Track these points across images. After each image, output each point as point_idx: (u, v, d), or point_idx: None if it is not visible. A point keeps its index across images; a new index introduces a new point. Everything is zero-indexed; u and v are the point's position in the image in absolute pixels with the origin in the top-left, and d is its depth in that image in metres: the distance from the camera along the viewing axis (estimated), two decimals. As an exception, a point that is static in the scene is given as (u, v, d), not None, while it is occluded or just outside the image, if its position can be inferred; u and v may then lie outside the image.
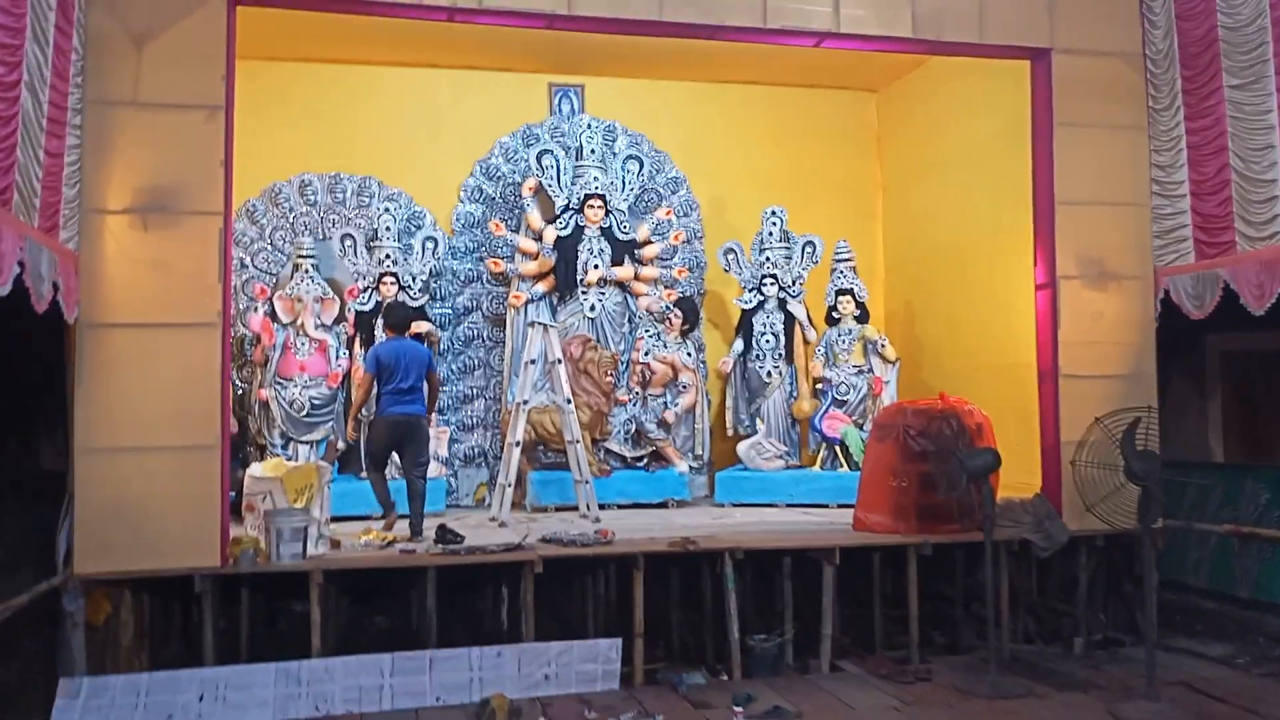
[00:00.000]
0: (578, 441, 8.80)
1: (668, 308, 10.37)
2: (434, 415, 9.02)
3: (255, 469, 7.02)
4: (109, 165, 6.40)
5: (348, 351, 9.87)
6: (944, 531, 7.67)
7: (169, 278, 6.42)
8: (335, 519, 8.95)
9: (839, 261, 10.47)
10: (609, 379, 9.88)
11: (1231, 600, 8.12)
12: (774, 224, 10.63)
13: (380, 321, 9.28)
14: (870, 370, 10.19)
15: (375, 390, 8.04)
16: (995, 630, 6.95)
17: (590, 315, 10.29)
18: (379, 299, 9.90)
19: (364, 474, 9.54)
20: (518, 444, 8.71)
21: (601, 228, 10.30)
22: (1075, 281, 7.80)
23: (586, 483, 8.78)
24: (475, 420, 10.65)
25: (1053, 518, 7.65)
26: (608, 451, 10.10)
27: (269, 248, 10.33)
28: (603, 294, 10.32)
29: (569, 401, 8.84)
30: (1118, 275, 7.84)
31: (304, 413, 9.50)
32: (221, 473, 6.43)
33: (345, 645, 7.65)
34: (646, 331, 10.38)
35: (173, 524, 6.30)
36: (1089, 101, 7.86)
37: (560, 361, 8.87)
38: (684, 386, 10.24)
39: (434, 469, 9.52)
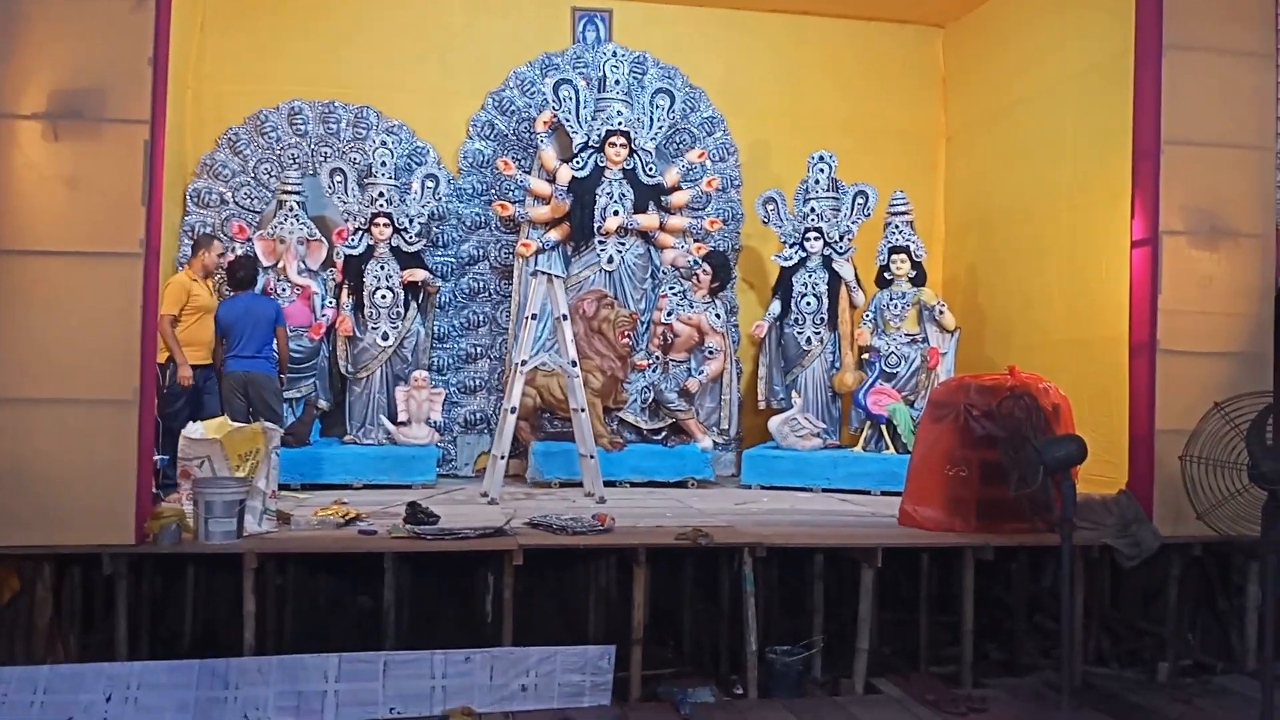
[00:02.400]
0: (584, 410, 7.66)
1: (696, 262, 9.16)
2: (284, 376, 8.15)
3: (193, 429, 5.97)
4: (14, 61, 5.33)
5: (334, 300, 8.84)
6: (1008, 532, 6.44)
7: (84, 197, 5.35)
8: (311, 487, 8.01)
9: (894, 215, 9.18)
10: (626, 341, 8.73)
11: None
12: (821, 171, 9.37)
13: (227, 276, 8.19)
14: (925, 340, 8.94)
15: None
16: (1069, 655, 5.71)
17: (608, 268, 9.11)
18: (371, 242, 8.81)
19: (348, 437, 8.56)
20: (513, 410, 7.58)
21: (624, 169, 9.10)
22: (1180, 238, 6.47)
23: (591, 457, 7.65)
24: (479, 382, 9.56)
25: (1141, 520, 6.37)
26: (622, 422, 8.97)
27: (252, 181, 9.26)
28: (623, 245, 9.14)
29: (575, 364, 7.69)
30: (1233, 232, 6.50)
31: (277, 365, 8.45)
32: (142, 433, 5.36)
33: (321, 630, 6.69)
34: (671, 289, 9.19)
35: (81, 491, 5.26)
36: (1207, 21, 6.50)
37: (566, 317, 7.72)
38: (711, 352, 9.05)
39: (426, 434, 8.49)
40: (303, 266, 8.74)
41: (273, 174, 9.23)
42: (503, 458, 7.54)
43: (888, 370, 8.87)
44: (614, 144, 9.01)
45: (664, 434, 8.97)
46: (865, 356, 9.06)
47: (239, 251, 8.65)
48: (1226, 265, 6.50)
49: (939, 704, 5.84)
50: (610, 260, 9.09)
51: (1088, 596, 6.68)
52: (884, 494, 8.38)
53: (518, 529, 6.15)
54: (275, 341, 7.84)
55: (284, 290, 8.67)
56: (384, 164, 8.92)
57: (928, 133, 10.70)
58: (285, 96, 9.40)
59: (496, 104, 9.76)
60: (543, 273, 7.74)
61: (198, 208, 9.07)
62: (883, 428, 8.75)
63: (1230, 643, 6.88)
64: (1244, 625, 6.72)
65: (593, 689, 5.73)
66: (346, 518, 6.26)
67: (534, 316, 7.67)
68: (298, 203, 8.87)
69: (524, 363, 7.59)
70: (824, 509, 7.59)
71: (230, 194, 9.17)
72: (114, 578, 5.43)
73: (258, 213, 9.16)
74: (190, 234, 8.98)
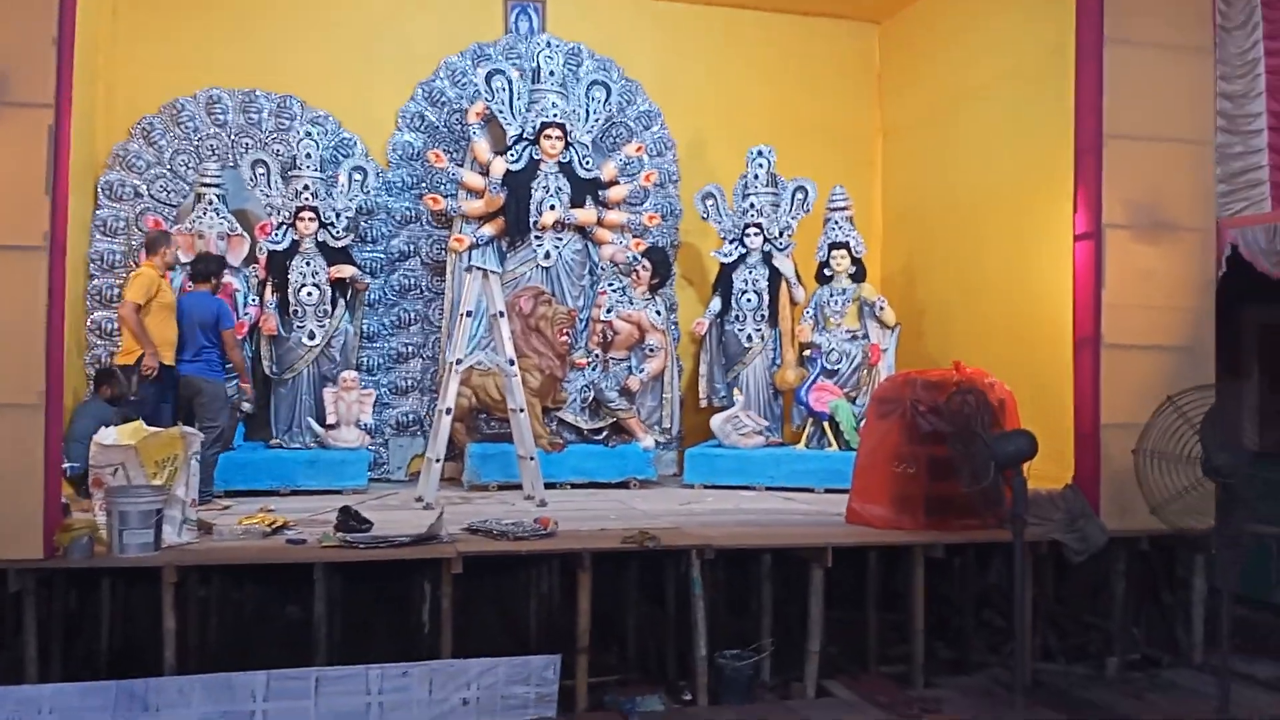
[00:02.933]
0: (523, 410, 7.40)
1: (635, 258, 8.97)
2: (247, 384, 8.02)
3: (105, 435, 5.58)
4: (-96, 37, 4.92)
5: (257, 298, 8.46)
6: (957, 528, 6.35)
7: (-18, 186, 4.95)
8: (236, 494, 7.62)
9: (834, 211, 9.10)
10: (564, 339, 8.49)
11: (1272, 609, 6.94)
12: (760, 166, 9.24)
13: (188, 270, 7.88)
14: (866, 336, 8.87)
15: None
16: (1022, 652, 5.61)
17: (544, 264, 8.87)
18: (296, 237, 8.44)
19: (273, 441, 8.18)
20: (449, 411, 7.30)
21: (560, 162, 8.86)
22: (1123, 232, 6.44)
23: (531, 459, 7.40)
24: (410, 383, 9.24)
25: (1088, 515, 6.32)
26: (561, 423, 8.74)
27: (168, 174, 8.81)
28: (559, 240, 8.90)
29: (513, 363, 7.43)
30: (1174, 226, 6.49)
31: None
32: (48, 440, 4.98)
33: (247, 643, 6.32)
34: (609, 285, 8.98)
35: (-18, 504, 4.86)
36: (1147, 16, 6.48)
37: (502, 314, 7.45)
38: (651, 350, 8.86)
39: (356, 437, 8.16)
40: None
41: (190, 166, 8.81)
42: (438, 461, 7.25)
43: (829, 367, 8.77)
44: (549, 136, 8.76)
45: (605, 434, 8.76)
46: (806, 353, 8.94)
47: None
48: (1168, 259, 6.49)
49: (892, 706, 5.72)
50: (547, 256, 8.84)
51: (1035, 592, 6.62)
52: (827, 491, 8.28)
53: (455, 535, 5.88)
54: (223, 347, 7.36)
55: (204, 288, 8.25)
56: (309, 156, 8.55)
57: (864, 129, 10.66)
58: (203, 84, 8.98)
59: (426, 95, 9.44)
60: (478, 268, 7.46)
61: (110, 201, 8.61)
62: (825, 425, 8.64)
63: (1175, 636, 6.89)
64: (1190, 619, 6.73)
65: (538, 700, 5.49)
66: (273, 526, 5.93)
67: (469, 314, 7.39)
68: (217, 196, 8.48)
69: (459, 362, 7.31)
70: (769, 508, 7.44)
71: (145, 187, 8.72)
72: (21, 594, 5.03)
73: (174, 206, 8.73)
74: (103, 229, 8.54)
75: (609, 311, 8.83)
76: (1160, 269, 6.48)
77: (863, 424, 7.46)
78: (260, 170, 8.51)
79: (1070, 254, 7.07)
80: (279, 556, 5.45)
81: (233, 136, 8.95)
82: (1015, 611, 5.59)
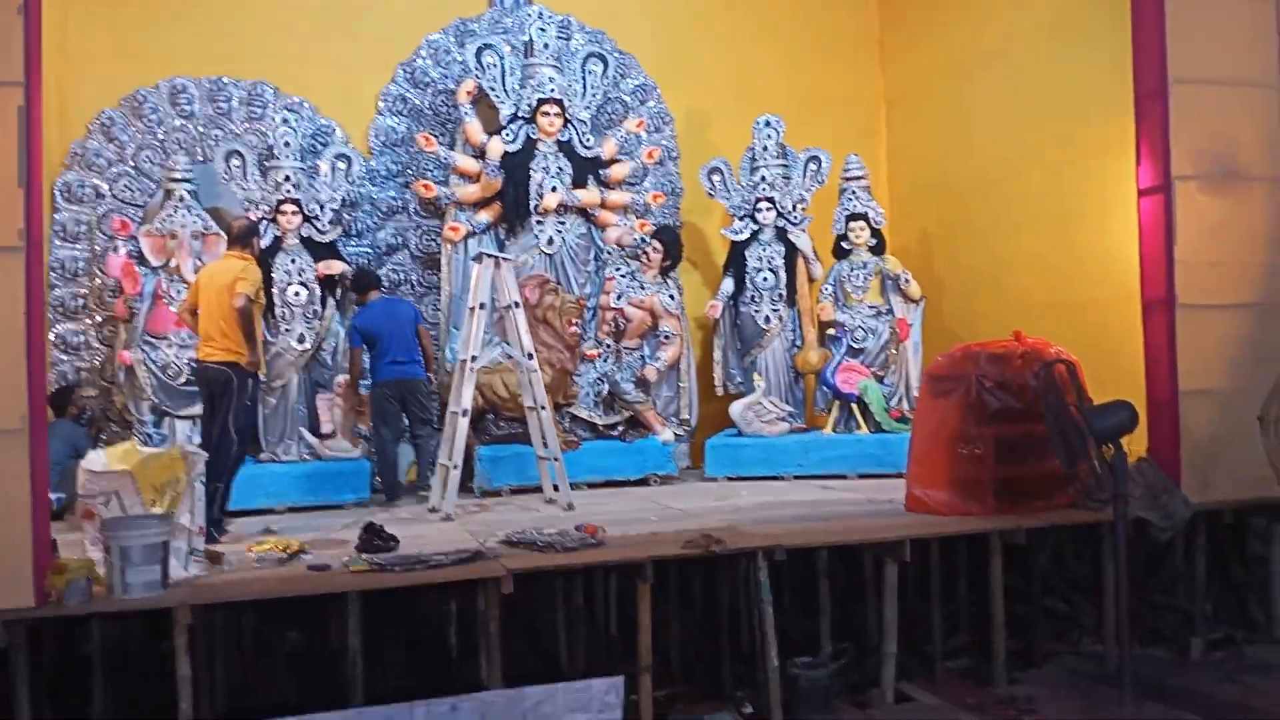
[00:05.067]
0: (544, 407, 6.82)
1: (643, 240, 8.41)
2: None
3: (94, 459, 4.92)
4: None
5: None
6: (1029, 511, 5.88)
7: (-57, 179, 4.27)
8: (227, 514, 6.93)
9: (849, 181, 8.61)
10: (573, 329, 7.92)
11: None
12: (769, 136, 8.71)
13: (352, 294, 7.98)
14: (889, 312, 8.38)
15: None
16: (1125, 643, 5.15)
17: (548, 251, 8.27)
18: (277, 233, 7.76)
19: (264, 455, 7.48)
20: (465, 413, 6.68)
21: (559, 141, 8.27)
22: (1191, 184, 6.01)
23: (556, 459, 6.81)
24: (406, 385, 8.57)
25: (1170, 490, 5.88)
26: (574, 419, 8.16)
27: (132, 171, 8.09)
28: (562, 224, 8.31)
29: (531, 356, 6.83)
30: (1245, 176, 6.08)
31: (181, 379, 7.41)
32: (34, 470, 4.31)
33: (240, 682, 5.72)
34: (617, 270, 8.40)
35: (-39, 546, 4.19)
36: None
37: (517, 305, 6.86)
38: (666, 337, 8.31)
39: (354, 446, 7.54)
40: (199, 264, 7.61)
41: (156, 162, 8.09)
42: (456, 468, 6.63)
43: (854, 345, 8.29)
44: (547, 113, 8.17)
45: (621, 428, 8.19)
46: (829, 332, 8.43)
47: (122, 252, 7.53)
48: (1239, 211, 6.08)
49: (984, 709, 5.25)
50: (550, 242, 8.24)
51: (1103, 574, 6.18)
52: (861, 477, 7.83)
53: (496, 549, 5.29)
54: (420, 343, 7.58)
55: (179, 292, 7.54)
56: (287, 144, 7.88)
57: (866, 97, 10.19)
58: (165, 74, 8.27)
59: (408, 75, 8.80)
60: (489, 255, 6.85)
61: (68, 203, 7.88)
62: (853, 406, 8.16)
63: (1249, 612, 6.50)
64: (1268, 593, 6.34)
65: (601, 729, 4.93)
66: (289, 551, 5.29)
67: (481, 306, 6.77)
68: (188, 192, 7.77)
69: (474, 358, 6.69)
70: (814, 499, 6.94)
71: (107, 186, 8.00)
72: (10, 650, 4.35)
73: (140, 206, 8.02)
74: (62, 233, 7.82)
75: (619, 298, 8.26)
76: (1231, 222, 6.06)
77: (915, 404, 6.99)
78: (236, 163, 7.81)
79: (1120, 211, 6.70)
80: (308, 587, 4.81)
81: (201, 128, 8.25)
82: (1114, 600, 5.16)
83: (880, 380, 8.22)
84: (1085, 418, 4.96)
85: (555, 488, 6.93)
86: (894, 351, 8.27)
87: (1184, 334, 5.93)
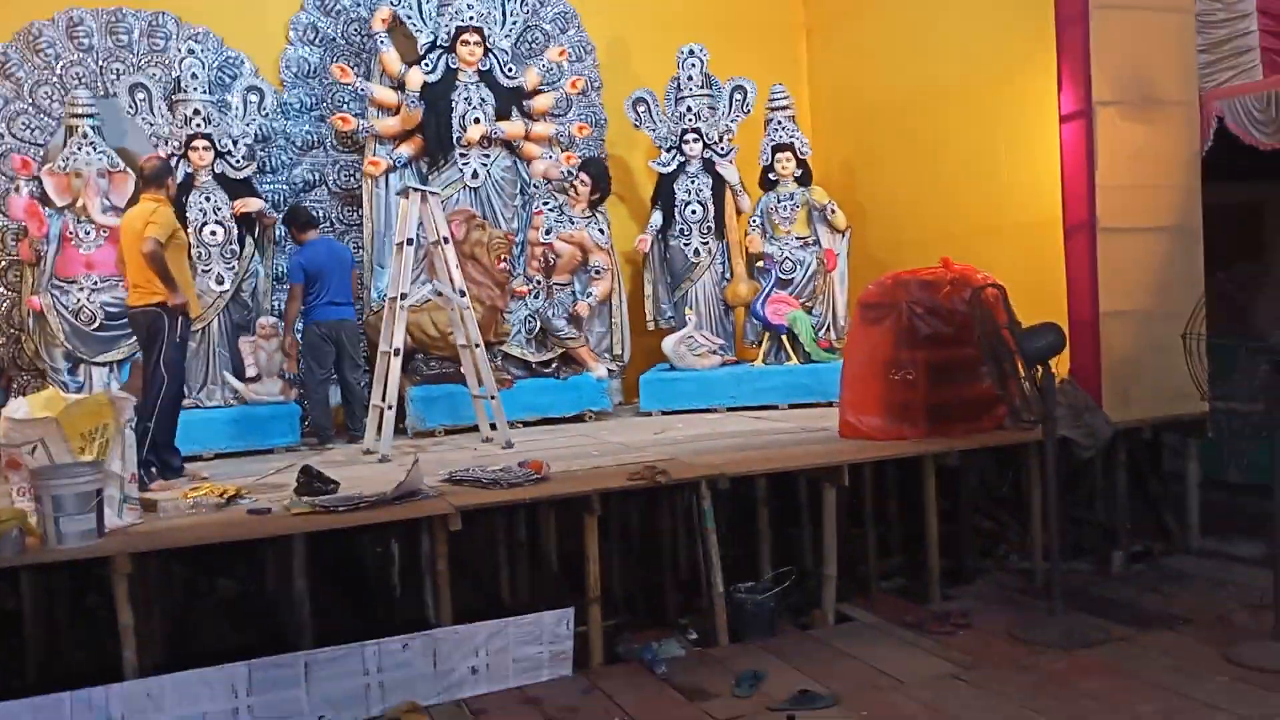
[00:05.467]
0: (478, 345, 6.73)
1: (570, 173, 8.29)
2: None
3: (16, 407, 4.71)
4: None
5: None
6: (960, 433, 6.06)
7: None
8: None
9: (774, 111, 8.60)
10: (503, 265, 7.81)
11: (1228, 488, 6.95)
12: (694, 66, 8.64)
13: (285, 229, 7.86)
14: (817, 243, 8.45)
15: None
16: (1054, 557, 5.36)
17: (473, 184, 8.11)
18: (189, 169, 7.46)
19: (187, 401, 7.24)
20: (397, 352, 6.56)
21: (480, 70, 8.07)
22: (1112, 109, 6.15)
23: (493, 397, 6.75)
24: (329, 326, 8.37)
25: (1092, 408, 6.12)
26: (506, 357, 8.07)
27: (30, 108, 7.65)
28: (487, 157, 8.14)
29: (463, 294, 6.73)
30: (1160, 100, 6.23)
31: (95, 324, 7.17)
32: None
33: (177, 632, 5.62)
34: (545, 204, 8.29)
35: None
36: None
37: (447, 241, 6.73)
38: (598, 271, 8.26)
39: (280, 389, 7.38)
40: (107, 204, 7.30)
41: (54, 99, 7.66)
42: (390, 408, 6.52)
43: (783, 277, 8.34)
44: (467, 42, 7.95)
45: (554, 365, 8.14)
46: (759, 264, 8.46)
47: (25, 193, 7.17)
48: (1157, 136, 6.25)
49: (922, 625, 5.42)
50: (475, 175, 8.08)
51: (1030, 492, 6.40)
52: (792, 407, 7.93)
53: (437, 487, 5.24)
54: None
55: (88, 233, 7.24)
56: (195, 77, 7.54)
57: (786, 25, 10.10)
58: (60, 5, 7.79)
59: (319, 3, 8.46)
60: (415, 190, 6.68)
61: (-37, 143, 7.44)
62: (783, 338, 8.24)
63: (1165, 525, 6.80)
64: (1184, 507, 6.63)
65: (552, 659, 4.99)
66: (225, 496, 5.16)
67: (410, 242, 6.62)
68: (92, 128, 7.38)
69: (404, 296, 6.55)
70: (750, 429, 7.02)
71: (4, 125, 7.55)
72: (-61, 607, 4.20)
73: (41, 145, 7.60)
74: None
75: (548, 233, 8.16)
76: (1149, 147, 6.24)
77: (846, 333, 7.08)
78: (141, 96, 7.45)
79: (1040, 136, 6.80)
80: (250, 531, 4.71)
81: (101, 62, 7.83)
82: (1049, 513, 5.36)
83: (809, 311, 8.30)
84: (1015, 340, 5.07)
85: (492, 426, 6.88)
86: (821, 282, 8.35)
87: (1104, 257, 6.12)
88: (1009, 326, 5.18)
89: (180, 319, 5.85)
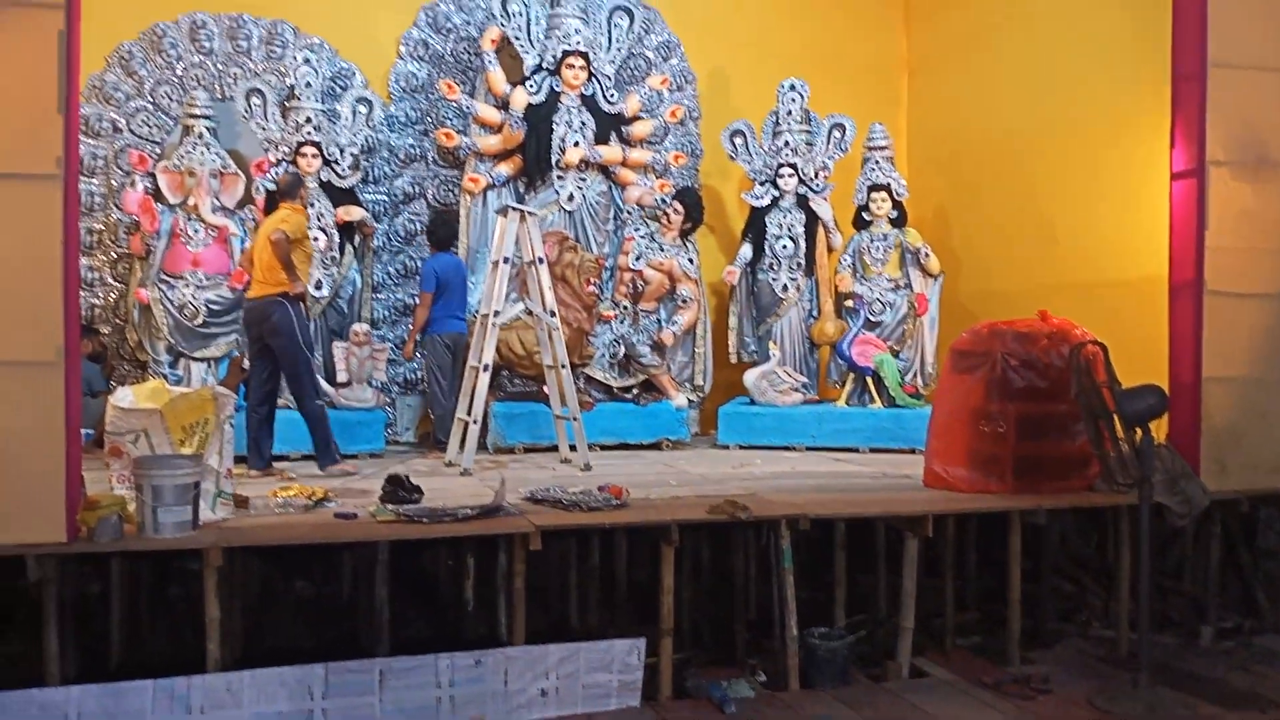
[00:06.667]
0: (565, 365, 6.78)
1: (664, 200, 8.33)
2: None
3: (123, 396, 4.85)
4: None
5: (255, 243, 7.63)
6: (1048, 491, 5.90)
7: (-19, 103, 4.16)
8: (242, 459, 6.88)
9: (873, 150, 8.54)
10: (591, 289, 7.86)
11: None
12: (793, 101, 8.63)
13: (428, 238, 7.90)
14: (908, 285, 8.35)
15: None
16: (1144, 626, 5.19)
17: (568, 207, 8.20)
18: (297, 174, 7.63)
19: (280, 402, 7.39)
20: (485, 368, 6.64)
21: (583, 95, 8.17)
22: (1225, 169, 5.97)
23: (575, 419, 6.79)
24: (418, 337, 8.51)
25: (1188, 475, 5.90)
26: (588, 379, 8.12)
27: (150, 106, 7.95)
28: (583, 180, 8.23)
29: (554, 314, 6.79)
30: (1276, 163, 6.04)
31: (198, 320, 7.37)
32: (68, 404, 4.25)
33: (254, 628, 5.71)
34: (636, 230, 8.34)
35: (-9, 479, 4.13)
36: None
37: (541, 261, 6.80)
38: (684, 300, 8.26)
39: (370, 396, 7.50)
40: (217, 204, 7.53)
41: (174, 98, 7.94)
42: (475, 422, 6.59)
43: (872, 318, 8.26)
44: (571, 65, 8.06)
45: (635, 391, 8.16)
46: (848, 304, 8.40)
47: (140, 188, 7.41)
48: (1271, 198, 6.04)
49: (1000, 687, 5.27)
50: (570, 198, 8.17)
51: (1118, 558, 6.23)
52: (873, 451, 7.83)
53: (518, 506, 5.27)
54: None
55: (196, 231, 7.46)
56: (309, 85, 7.76)
57: (889, 64, 10.09)
58: (185, 8, 8.09)
59: (431, 20, 8.66)
60: (514, 209, 6.77)
61: (86, 137, 7.71)
62: (868, 380, 8.15)
63: (1256, 602, 6.56)
64: (1277, 584, 6.40)
65: (621, 688, 4.96)
66: (313, 498, 5.26)
67: (506, 260, 6.71)
68: (207, 129, 7.63)
69: (496, 314, 6.63)
70: (830, 471, 6.95)
71: (124, 121, 7.85)
72: (41, 584, 4.32)
73: (158, 143, 7.89)
74: (80, 167, 7.65)
75: (638, 259, 8.20)
76: (1262, 209, 6.02)
77: (937, 380, 6.98)
78: (256, 101, 7.69)
79: (1143, 191, 6.70)
80: (337, 535, 4.78)
81: (220, 66, 8.11)
82: (1138, 583, 5.20)
83: (896, 354, 8.21)
84: (1115, 400, 4.95)
85: (572, 447, 6.91)
86: (911, 326, 8.25)
87: (1210, 320, 5.91)
88: (1109, 386, 5.05)
89: (300, 305, 6.29)
